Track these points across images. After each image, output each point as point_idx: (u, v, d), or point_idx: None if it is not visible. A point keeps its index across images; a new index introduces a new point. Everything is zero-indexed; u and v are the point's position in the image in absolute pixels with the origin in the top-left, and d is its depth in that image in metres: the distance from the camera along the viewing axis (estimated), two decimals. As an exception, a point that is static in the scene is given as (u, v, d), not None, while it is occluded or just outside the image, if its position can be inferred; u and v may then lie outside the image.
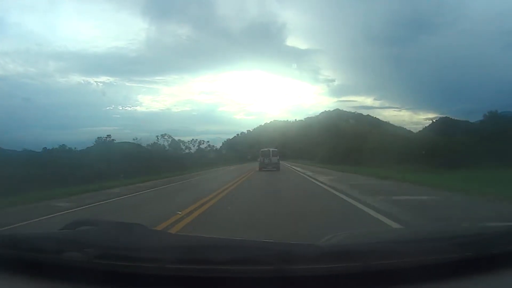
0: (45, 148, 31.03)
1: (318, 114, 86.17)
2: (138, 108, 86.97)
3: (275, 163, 28.04)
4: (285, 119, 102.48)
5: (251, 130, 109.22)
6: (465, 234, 1.54)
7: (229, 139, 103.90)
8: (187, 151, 61.55)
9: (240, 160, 66.02)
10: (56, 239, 1.52)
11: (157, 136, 52.39)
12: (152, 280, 1.25)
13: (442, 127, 35.37)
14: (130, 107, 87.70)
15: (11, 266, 1.42)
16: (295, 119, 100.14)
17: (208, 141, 72.41)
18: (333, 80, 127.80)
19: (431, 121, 35.25)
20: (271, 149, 29.45)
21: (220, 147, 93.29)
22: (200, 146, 67.11)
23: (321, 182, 14.98)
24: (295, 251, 1.27)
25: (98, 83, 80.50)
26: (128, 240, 1.46)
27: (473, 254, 1.31)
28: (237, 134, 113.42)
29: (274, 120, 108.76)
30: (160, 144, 50.83)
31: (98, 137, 45.29)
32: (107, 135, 45.37)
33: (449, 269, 1.26)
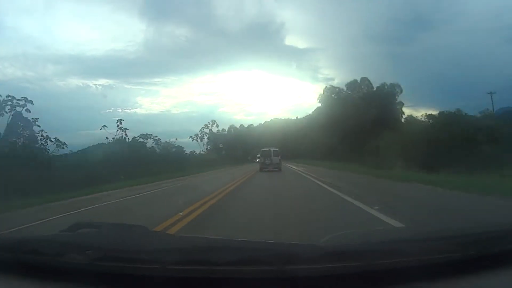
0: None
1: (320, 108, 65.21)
2: (138, 110, 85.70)
3: (276, 163, 27.31)
4: (286, 118, 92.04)
5: (247, 128, 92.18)
6: (467, 234, 1.54)
7: (216, 133, 77.47)
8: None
9: (237, 162, 54.80)
10: (57, 242, 1.52)
11: None
12: (153, 282, 1.25)
13: (447, 121, 33.91)
14: (130, 110, 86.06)
15: (12, 268, 1.42)
16: (297, 117, 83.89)
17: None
18: (332, 79, 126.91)
19: (436, 116, 32.36)
20: (272, 149, 28.64)
21: (209, 148, 69.83)
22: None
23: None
24: (296, 251, 1.27)
25: (97, 86, 79.99)
26: (129, 242, 1.46)
27: (475, 254, 1.30)
28: (219, 127, 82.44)
29: (275, 118, 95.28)
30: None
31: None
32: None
33: (451, 268, 1.26)
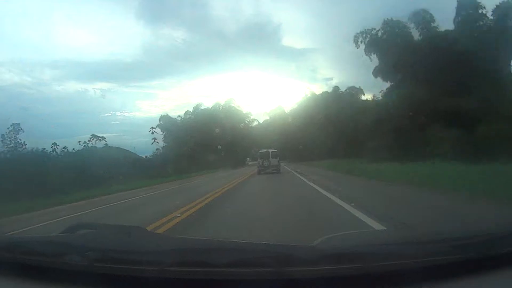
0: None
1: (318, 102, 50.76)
2: (137, 114, 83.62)
3: (275, 165, 26.30)
4: (285, 118, 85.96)
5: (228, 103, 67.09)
6: (466, 236, 1.53)
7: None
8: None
9: (198, 169, 34.98)
10: (56, 243, 1.53)
11: None
12: (152, 283, 1.25)
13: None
14: (129, 113, 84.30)
15: (12, 270, 1.42)
16: (295, 109, 66.64)
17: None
18: (331, 79, 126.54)
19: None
20: (270, 150, 27.52)
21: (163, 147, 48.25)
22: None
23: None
24: (295, 253, 1.27)
25: (95, 89, 78.55)
26: (128, 243, 1.47)
27: (475, 255, 1.30)
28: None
29: (274, 115, 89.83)
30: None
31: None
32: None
33: (450, 270, 1.25)
